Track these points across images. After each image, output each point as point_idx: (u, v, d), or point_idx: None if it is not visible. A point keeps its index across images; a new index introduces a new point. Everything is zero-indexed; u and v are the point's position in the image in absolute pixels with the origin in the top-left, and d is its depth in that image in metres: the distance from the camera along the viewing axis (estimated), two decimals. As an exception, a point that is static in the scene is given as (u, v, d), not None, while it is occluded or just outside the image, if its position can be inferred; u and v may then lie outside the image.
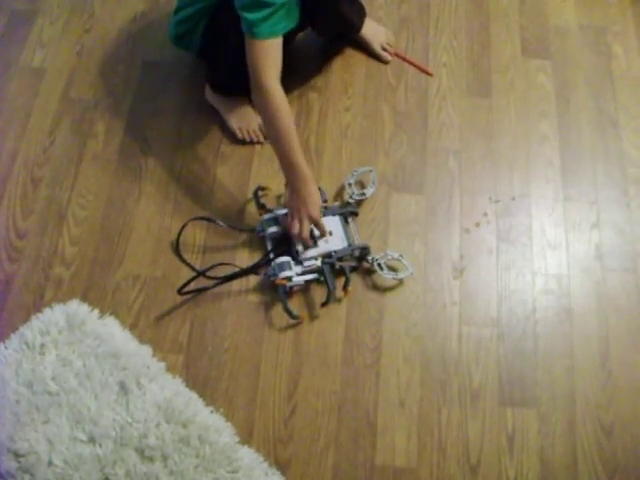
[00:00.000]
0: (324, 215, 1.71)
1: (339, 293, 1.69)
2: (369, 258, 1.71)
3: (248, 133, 1.87)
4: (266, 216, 1.72)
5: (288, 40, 1.68)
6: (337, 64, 2.04)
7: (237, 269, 1.70)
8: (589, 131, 1.97)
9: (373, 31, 2.03)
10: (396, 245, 1.76)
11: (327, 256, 1.68)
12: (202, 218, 1.76)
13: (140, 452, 1.48)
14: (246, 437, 1.55)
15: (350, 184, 1.79)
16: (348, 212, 1.75)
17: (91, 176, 1.84)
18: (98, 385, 1.55)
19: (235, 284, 1.71)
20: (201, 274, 1.68)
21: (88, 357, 1.58)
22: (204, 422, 1.52)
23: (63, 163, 1.86)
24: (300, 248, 1.67)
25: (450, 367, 1.64)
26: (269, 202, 1.79)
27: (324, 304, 1.66)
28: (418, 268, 1.74)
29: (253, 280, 1.71)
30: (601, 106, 2.01)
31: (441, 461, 1.54)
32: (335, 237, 1.70)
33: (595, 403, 1.61)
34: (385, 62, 2.04)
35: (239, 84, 1.69)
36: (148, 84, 2.00)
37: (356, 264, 1.72)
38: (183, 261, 1.73)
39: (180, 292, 1.66)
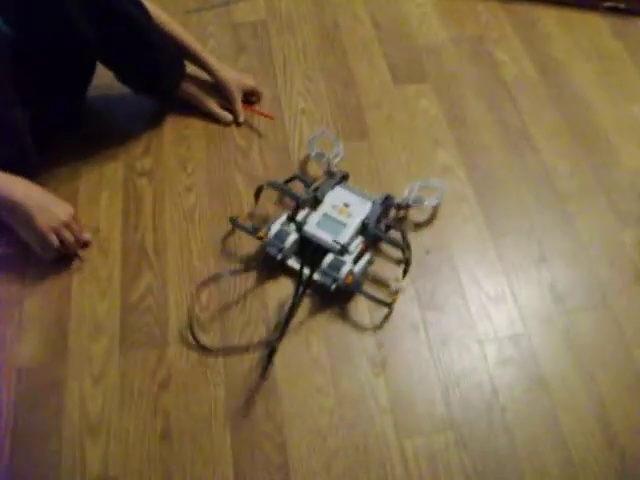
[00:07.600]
0: (326, 193, 1.42)
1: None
2: (399, 203, 1.44)
3: None
4: (270, 232, 1.34)
5: (75, 90, 1.48)
6: (167, 136, 1.59)
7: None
8: (498, 150, 1.57)
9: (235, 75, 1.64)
10: (289, 346, 1.26)
11: (363, 229, 1.37)
12: (207, 280, 1.35)
13: None
14: None
15: (318, 154, 1.51)
16: (341, 178, 1.47)
17: None
18: None
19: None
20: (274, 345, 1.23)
21: None
22: None
23: None
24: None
25: (402, 505, 1.11)
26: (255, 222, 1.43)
27: (405, 272, 1.33)
28: (322, 373, 1.24)
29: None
30: (503, 118, 1.63)
31: None
32: (355, 204, 1.41)
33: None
34: (227, 123, 1.62)
35: (168, 75, 1.54)
36: None
37: (394, 215, 1.47)
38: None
39: (263, 376, 1.24)
